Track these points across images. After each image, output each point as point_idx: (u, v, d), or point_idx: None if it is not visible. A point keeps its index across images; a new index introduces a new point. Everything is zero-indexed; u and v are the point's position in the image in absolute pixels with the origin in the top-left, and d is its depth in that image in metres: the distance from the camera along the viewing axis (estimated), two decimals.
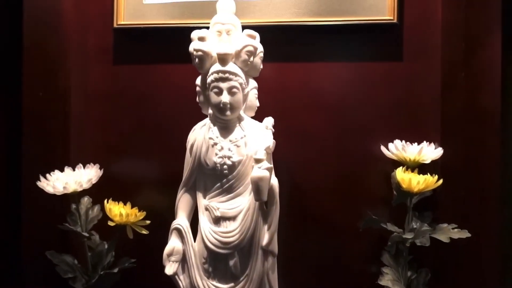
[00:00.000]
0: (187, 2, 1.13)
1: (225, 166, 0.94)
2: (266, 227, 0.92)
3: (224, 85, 0.92)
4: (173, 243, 0.96)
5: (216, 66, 0.93)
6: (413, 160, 1.03)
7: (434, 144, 1.05)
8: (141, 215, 1.06)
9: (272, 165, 0.91)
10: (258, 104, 1.00)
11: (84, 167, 1.07)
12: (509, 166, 1.07)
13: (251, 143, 0.93)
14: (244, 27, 0.98)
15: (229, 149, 0.94)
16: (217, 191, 0.95)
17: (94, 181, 1.05)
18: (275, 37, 1.06)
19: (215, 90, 0.93)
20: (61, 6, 1.17)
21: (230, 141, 0.94)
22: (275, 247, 0.94)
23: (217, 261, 0.95)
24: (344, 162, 1.13)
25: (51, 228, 1.09)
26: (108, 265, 1.07)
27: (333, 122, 1.13)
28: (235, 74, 0.93)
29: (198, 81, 0.99)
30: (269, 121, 0.95)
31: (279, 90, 1.13)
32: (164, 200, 1.11)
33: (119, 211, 1.03)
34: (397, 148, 1.04)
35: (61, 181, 1.02)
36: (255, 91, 0.99)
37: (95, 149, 1.18)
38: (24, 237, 1.15)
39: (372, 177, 1.12)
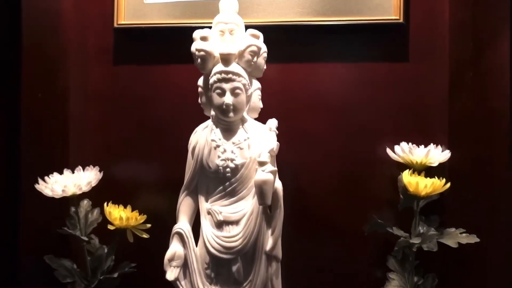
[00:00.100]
0: (188, 1, 1.12)
1: (228, 169, 0.92)
2: (270, 231, 0.91)
3: (227, 86, 0.91)
4: (175, 248, 0.94)
5: (219, 67, 0.92)
6: (420, 163, 1.01)
7: (441, 146, 1.04)
8: (142, 218, 1.05)
9: (276, 168, 0.89)
10: (261, 106, 0.98)
11: (83, 170, 1.06)
12: None
13: (254, 145, 0.92)
14: (247, 27, 0.96)
15: (232, 152, 0.92)
16: (219, 195, 0.94)
17: (93, 184, 1.04)
18: (278, 37, 1.05)
19: (218, 91, 0.92)
20: (60, 5, 1.16)
21: (233, 143, 0.93)
22: (279, 252, 0.93)
23: (219, 267, 0.93)
24: (349, 164, 1.12)
25: (50, 232, 1.08)
26: (108, 269, 1.06)
27: (338, 124, 1.12)
28: (238, 75, 0.92)
29: (200, 82, 0.97)
30: (272, 122, 0.94)
31: (283, 91, 1.12)
32: (165, 203, 1.10)
33: (119, 215, 1.02)
34: (403, 151, 1.03)
35: (60, 184, 1.01)
36: (259, 92, 0.97)
37: (94, 151, 1.18)
38: (22, 241, 1.14)
39: (377, 180, 1.11)
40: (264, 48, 0.95)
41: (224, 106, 0.91)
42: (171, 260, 0.94)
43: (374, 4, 1.07)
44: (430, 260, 1.02)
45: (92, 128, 1.19)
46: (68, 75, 1.17)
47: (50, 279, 1.04)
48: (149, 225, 1.06)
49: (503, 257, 1.02)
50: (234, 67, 0.92)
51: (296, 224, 1.05)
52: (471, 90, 1.04)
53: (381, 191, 1.10)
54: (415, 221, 1.01)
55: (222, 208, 0.93)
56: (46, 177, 1.04)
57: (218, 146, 0.93)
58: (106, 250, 1.07)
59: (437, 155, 1.02)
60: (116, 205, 1.05)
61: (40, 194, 1.02)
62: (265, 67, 0.97)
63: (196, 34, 0.94)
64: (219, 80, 0.91)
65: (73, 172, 1.06)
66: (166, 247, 0.96)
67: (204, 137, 0.95)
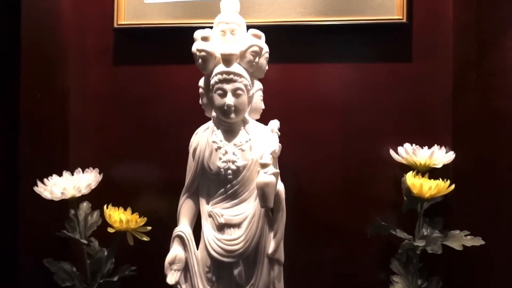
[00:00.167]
0: (189, 1, 1.12)
1: (229, 171, 0.92)
2: (272, 234, 0.91)
3: (228, 87, 0.90)
4: (175, 251, 0.94)
5: (220, 67, 0.92)
6: (424, 164, 1.01)
7: (445, 147, 1.03)
8: (142, 221, 1.04)
9: (278, 170, 0.89)
10: (263, 107, 0.98)
11: (83, 172, 1.06)
12: None
13: (256, 147, 0.91)
14: (248, 27, 0.96)
15: (234, 153, 0.92)
16: (221, 197, 0.93)
17: (93, 186, 1.03)
18: (280, 37, 1.05)
19: (219, 92, 0.91)
20: (59, 5, 1.16)
21: (235, 145, 0.92)
22: (281, 255, 0.92)
23: (221, 270, 0.92)
24: (351, 166, 1.11)
25: (49, 235, 1.07)
26: (108, 273, 1.05)
27: (340, 125, 1.11)
28: (240, 75, 0.91)
29: (201, 82, 0.97)
30: (274, 124, 0.93)
31: (285, 92, 1.12)
32: (165, 205, 1.10)
33: (119, 217, 1.01)
34: (407, 152, 1.02)
35: (59, 186, 1.00)
36: (260, 93, 0.97)
37: (94, 153, 1.17)
38: (21, 243, 1.13)
39: (380, 181, 1.10)
40: (266, 48, 0.94)
41: (225, 107, 0.90)
42: (171, 263, 0.93)
43: (376, 4, 1.07)
44: (434, 263, 1.01)
45: (92, 129, 1.18)
46: (67, 75, 1.17)
47: (50, 283, 1.04)
48: (149, 228, 1.05)
49: (508, 260, 1.00)
50: (236, 67, 0.91)
51: (298, 227, 1.04)
52: (475, 91, 1.03)
53: (384, 193, 1.10)
54: (419, 223, 1.00)
55: (224, 211, 0.93)
56: (45, 179, 1.03)
57: (219, 147, 0.92)
58: (106, 253, 1.06)
59: (441, 156, 1.01)
60: (116, 208, 1.05)
61: (39, 196, 1.01)
62: (267, 67, 0.96)
63: (197, 34, 0.94)
64: (220, 81, 0.91)
65: (72, 174, 1.05)
66: (167, 250, 0.95)
67: (205, 138, 0.94)
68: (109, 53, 1.17)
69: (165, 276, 0.93)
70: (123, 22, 1.13)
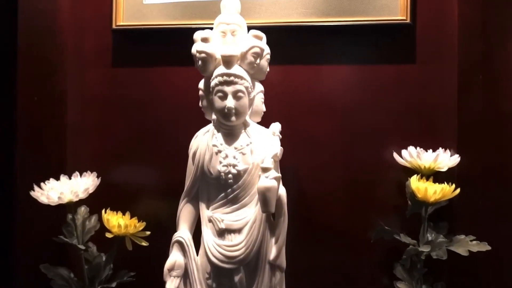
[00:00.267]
0: (189, 1, 1.11)
1: (229, 175, 0.91)
2: (273, 240, 0.90)
3: (229, 89, 0.89)
4: (175, 257, 0.93)
5: (220, 69, 0.91)
6: (428, 167, 1.00)
7: (450, 150, 1.02)
8: (141, 225, 1.03)
9: (280, 175, 0.88)
10: (264, 109, 0.97)
11: (80, 175, 1.04)
12: None
13: (257, 150, 0.91)
14: (249, 28, 0.95)
15: (234, 157, 0.91)
16: (221, 202, 0.92)
17: (91, 191, 1.02)
18: (281, 38, 1.04)
19: (219, 94, 0.90)
20: (57, 6, 1.15)
21: (235, 148, 0.91)
22: (283, 262, 0.91)
23: (221, 277, 0.91)
24: (354, 169, 1.10)
25: (46, 240, 1.05)
26: (106, 278, 1.04)
27: (343, 128, 1.11)
28: (241, 77, 0.90)
29: (201, 84, 0.96)
30: (276, 127, 0.92)
31: (286, 94, 1.11)
32: (165, 209, 1.09)
33: (118, 222, 1.00)
34: (411, 155, 1.01)
35: (56, 191, 0.99)
36: (262, 95, 0.96)
37: (92, 156, 1.17)
38: (17, 249, 1.12)
39: (383, 185, 1.09)
40: (267, 50, 0.94)
41: (225, 110, 0.89)
42: (171, 269, 0.92)
43: (379, 4, 1.06)
44: (439, 268, 1.00)
45: (90, 132, 1.18)
46: (65, 77, 1.16)
47: None
48: (148, 233, 1.04)
49: None
50: (236, 69, 0.90)
51: (299, 231, 1.03)
52: (480, 93, 1.02)
53: (387, 197, 1.09)
54: (424, 228, 0.99)
55: (224, 216, 0.92)
56: (42, 184, 1.02)
57: (219, 151, 0.92)
58: (104, 259, 1.05)
59: (446, 159, 1.00)
60: (115, 212, 1.04)
61: (36, 201, 1.00)
62: (268, 69, 0.95)
63: (197, 35, 0.93)
64: (221, 83, 0.90)
65: (70, 178, 1.04)
66: (166, 255, 0.94)
67: (205, 142, 0.94)
68: (108, 54, 1.17)
69: (164, 282, 0.92)
70: (121, 23, 1.13)
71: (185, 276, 0.93)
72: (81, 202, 1.03)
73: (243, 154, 0.91)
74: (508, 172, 1.00)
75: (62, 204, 1.00)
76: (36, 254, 1.08)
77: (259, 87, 0.95)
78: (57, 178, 1.03)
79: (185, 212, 0.95)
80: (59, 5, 1.15)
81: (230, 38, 0.93)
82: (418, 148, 1.01)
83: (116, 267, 1.05)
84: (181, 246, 0.93)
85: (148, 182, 1.16)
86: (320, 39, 1.10)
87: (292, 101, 1.11)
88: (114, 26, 1.13)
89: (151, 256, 1.01)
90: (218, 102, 0.90)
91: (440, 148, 1.01)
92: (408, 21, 1.05)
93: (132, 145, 1.16)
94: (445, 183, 0.97)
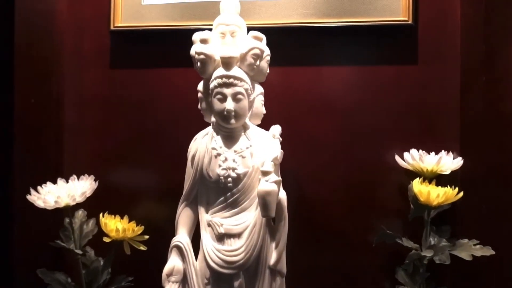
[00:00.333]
0: (188, 2, 1.10)
1: (229, 179, 0.90)
2: (273, 244, 0.89)
3: (228, 91, 0.89)
4: (173, 262, 0.92)
5: (220, 71, 0.90)
6: (431, 170, 0.99)
7: (453, 153, 1.02)
8: (139, 229, 1.02)
9: (280, 178, 0.87)
10: (264, 111, 0.96)
11: (78, 178, 1.04)
12: None
13: (257, 153, 0.90)
14: (249, 29, 0.95)
15: (234, 160, 0.90)
16: (220, 206, 0.92)
17: (88, 194, 1.01)
18: (281, 40, 1.04)
19: (219, 96, 0.89)
20: (54, 7, 1.15)
21: (235, 151, 0.91)
22: (283, 267, 0.90)
23: (220, 282, 0.91)
24: (356, 172, 1.10)
25: (43, 244, 1.04)
26: (104, 283, 1.04)
27: (344, 130, 1.10)
28: (240, 79, 0.89)
29: (200, 86, 0.95)
30: (276, 129, 0.92)
31: (286, 96, 1.11)
32: (164, 213, 1.08)
33: (115, 226, 1.00)
34: (413, 158, 1.00)
35: (53, 195, 0.98)
36: (262, 97, 0.95)
37: (90, 159, 1.17)
38: (14, 253, 1.10)
39: (384, 187, 1.09)
40: (267, 51, 0.93)
41: (225, 112, 0.89)
42: (169, 275, 0.92)
43: (381, 5, 1.06)
44: (441, 273, 1.00)
45: (88, 134, 1.17)
46: (62, 79, 1.16)
47: None
48: (147, 237, 1.03)
49: None
50: (236, 71, 0.90)
51: (300, 235, 1.03)
52: (483, 94, 1.01)
53: (389, 200, 1.08)
54: (426, 231, 0.98)
55: (223, 220, 0.91)
56: (39, 187, 1.01)
57: (219, 154, 0.91)
58: (102, 263, 1.04)
59: (449, 162, 0.99)
60: (112, 216, 1.03)
61: (33, 204, 0.99)
62: (268, 70, 0.95)
63: (196, 37, 0.93)
64: (220, 85, 0.89)
65: (67, 181, 1.03)
66: (165, 259, 0.93)
67: (204, 145, 0.93)
68: (106, 55, 1.16)
69: None
70: (120, 24, 1.13)
71: (184, 281, 0.92)
72: (78, 205, 1.02)
73: (243, 157, 0.90)
74: None
75: (59, 208, 0.99)
76: (33, 259, 1.07)
77: (259, 89, 0.95)
78: (55, 181, 1.02)
79: (183, 216, 0.95)
80: (57, 5, 1.15)
81: (229, 39, 0.93)
82: (420, 150, 1.00)
83: (114, 272, 1.05)
84: (180, 251, 0.92)
85: (146, 185, 1.15)
86: (321, 40, 1.10)
87: (293, 103, 1.10)
88: (112, 27, 1.13)
89: (149, 260, 1.00)
90: (217, 105, 0.89)
91: (443, 151, 1.00)
92: (409, 21, 1.04)
93: (130, 147, 1.16)
94: (448, 186, 0.96)
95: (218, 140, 0.92)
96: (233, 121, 0.89)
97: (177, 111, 1.13)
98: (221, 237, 0.90)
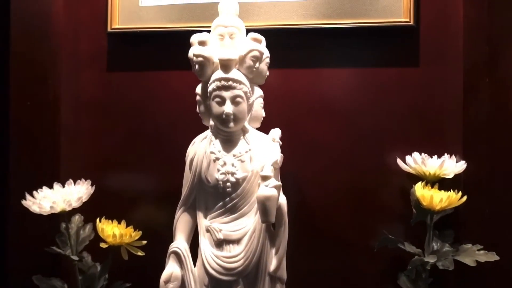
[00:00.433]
0: (186, 4, 1.10)
1: (228, 183, 0.89)
2: (273, 251, 0.89)
3: (227, 94, 0.88)
4: (171, 268, 0.91)
5: (218, 73, 0.89)
6: (434, 174, 0.98)
7: (456, 156, 1.01)
8: (137, 235, 1.01)
9: (280, 183, 0.86)
10: (264, 114, 0.95)
11: (74, 183, 1.03)
12: None
13: (257, 157, 0.89)
14: (248, 31, 0.94)
15: (233, 165, 0.89)
16: (219, 211, 0.91)
17: (84, 200, 1.00)
18: (281, 41, 1.04)
19: (217, 99, 0.89)
20: (51, 9, 1.15)
21: (234, 155, 0.90)
22: (283, 273, 0.89)
23: None
24: (357, 175, 1.09)
25: (39, 249, 1.03)
26: None
27: (345, 133, 1.09)
28: (239, 82, 0.89)
29: (199, 89, 0.94)
30: (276, 133, 0.91)
31: (286, 99, 1.10)
32: (162, 218, 1.09)
33: (112, 232, 0.98)
34: (415, 162, 0.99)
35: (49, 200, 0.97)
36: (261, 100, 0.94)
37: (87, 163, 1.16)
38: (9, 259, 1.11)
39: (387, 191, 1.08)
40: (266, 53, 0.92)
41: (224, 116, 0.88)
42: (167, 281, 0.90)
43: (382, 6, 1.05)
44: (445, 279, 0.99)
45: (85, 138, 1.17)
46: (59, 82, 1.15)
47: None
48: (144, 242, 1.02)
49: None
50: (235, 73, 0.89)
51: (300, 240, 1.02)
52: (487, 96, 1.01)
53: (390, 204, 1.08)
54: (429, 236, 0.97)
55: (222, 226, 0.90)
56: (34, 192, 1.00)
57: (217, 158, 0.90)
58: (99, 269, 1.03)
59: (451, 166, 0.98)
60: (110, 221, 1.02)
61: (28, 209, 0.98)
62: (267, 73, 0.94)
63: (194, 39, 0.92)
64: (219, 88, 0.88)
65: (63, 186, 1.02)
66: (163, 265, 0.92)
67: (202, 149, 0.92)
68: (103, 58, 1.16)
69: None
70: (117, 26, 1.12)
71: None
72: (75, 210, 1.01)
73: (242, 161, 0.89)
74: None
75: (55, 213, 0.98)
76: (28, 265, 1.06)
77: (258, 91, 0.94)
78: (51, 185, 1.01)
79: (182, 222, 0.94)
80: (53, 7, 1.14)
81: (228, 41, 0.92)
82: (422, 154, 1.00)
83: (111, 278, 1.04)
84: (178, 257, 0.91)
85: (144, 189, 1.14)
86: (321, 42, 1.09)
87: (293, 106, 1.10)
88: (109, 29, 1.12)
89: (147, 266, 0.99)
90: (216, 108, 0.89)
91: (446, 154, 1.00)
92: (411, 23, 1.04)
93: (128, 151, 1.15)
94: (451, 190, 0.95)
95: (216, 144, 0.91)
96: (232, 124, 0.88)
97: (175, 114, 1.12)
98: (220, 243, 0.89)
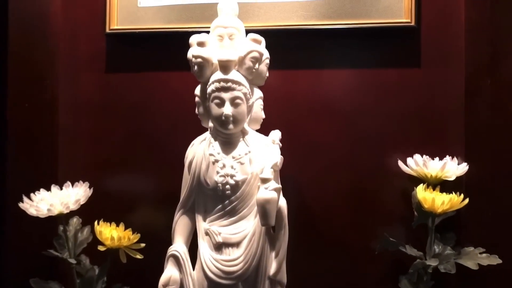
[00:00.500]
0: (185, 4, 1.09)
1: (227, 186, 0.88)
2: (273, 254, 0.88)
3: (226, 96, 0.87)
4: (170, 272, 0.90)
5: (217, 75, 0.89)
6: (435, 176, 0.98)
7: (457, 158, 1.00)
8: (135, 237, 1.01)
9: (280, 186, 0.85)
10: (263, 116, 0.95)
11: (72, 185, 1.02)
12: None
13: (256, 160, 0.88)
14: (247, 32, 0.93)
15: (232, 167, 0.88)
16: (218, 214, 0.90)
17: (82, 202, 0.99)
18: (281, 42, 1.03)
19: (216, 101, 0.88)
20: (49, 9, 1.14)
21: (233, 157, 0.89)
22: (283, 277, 0.88)
23: None
24: (357, 177, 1.08)
25: (37, 252, 1.03)
26: None
27: (345, 135, 1.09)
28: (239, 83, 0.88)
29: (198, 90, 0.94)
30: (276, 134, 0.91)
31: (286, 100, 1.10)
32: (161, 220, 1.08)
33: (111, 234, 0.98)
34: (417, 164, 0.99)
35: (46, 202, 0.96)
36: (261, 102, 0.94)
37: (85, 165, 1.15)
38: (6, 262, 1.10)
39: (388, 194, 1.08)
40: (266, 54, 0.92)
41: (223, 118, 0.87)
42: (166, 285, 0.89)
43: (383, 7, 1.04)
44: (446, 282, 0.99)
45: (83, 140, 1.16)
46: (57, 83, 1.15)
47: None
48: (143, 245, 1.02)
49: None
50: (234, 75, 0.88)
51: (300, 243, 1.01)
52: (489, 98, 1.00)
53: (392, 206, 1.07)
54: (430, 239, 0.97)
55: (221, 229, 0.89)
56: (32, 194, 0.99)
57: (216, 160, 0.89)
58: (97, 272, 1.03)
59: (453, 168, 0.98)
60: (108, 223, 1.01)
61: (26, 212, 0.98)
62: (267, 74, 0.93)
63: (193, 40, 0.91)
64: (218, 89, 0.88)
65: (61, 188, 1.01)
66: (162, 268, 0.92)
67: (201, 151, 0.91)
68: (101, 59, 1.15)
69: None
70: (115, 27, 1.11)
71: None
72: (73, 212, 1.01)
73: (242, 163, 0.89)
74: None
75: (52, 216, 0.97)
76: (26, 267, 1.06)
77: (258, 93, 0.93)
78: (49, 187, 1.01)
79: (180, 225, 0.93)
80: (51, 8, 1.14)
81: (227, 42, 0.91)
82: (424, 156, 0.99)
83: (110, 281, 1.03)
84: (177, 260, 0.90)
85: (143, 192, 1.14)
86: (321, 43, 1.08)
87: (293, 108, 1.09)
88: (107, 30, 1.11)
89: (146, 269, 0.98)
90: (215, 109, 0.88)
91: (448, 156, 0.99)
92: (412, 23, 1.03)
93: (126, 153, 1.14)
94: (453, 192, 0.94)
95: (216, 146, 0.90)
96: (231, 126, 0.88)
97: (174, 116, 1.12)
98: (219, 246, 0.88)
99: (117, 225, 1.01)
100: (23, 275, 1.01)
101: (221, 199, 0.89)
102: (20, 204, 0.97)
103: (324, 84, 1.09)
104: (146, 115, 1.13)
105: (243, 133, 0.90)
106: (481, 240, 0.96)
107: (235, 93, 0.87)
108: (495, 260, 0.91)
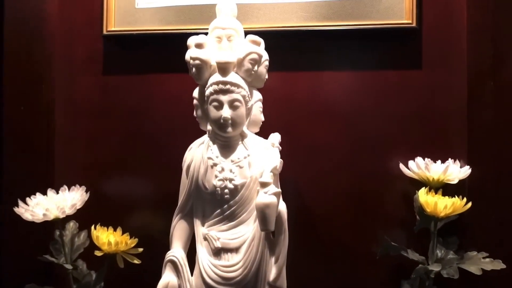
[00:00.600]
0: (183, 6, 1.09)
1: (226, 190, 0.88)
2: (273, 259, 0.87)
3: (224, 98, 0.87)
4: (167, 278, 0.89)
5: (216, 77, 0.88)
6: (437, 180, 0.96)
7: (460, 161, 0.99)
8: (133, 242, 1.00)
9: (279, 190, 0.84)
10: (263, 119, 0.94)
11: (69, 189, 1.01)
12: None
13: (255, 163, 0.88)
14: (246, 33, 0.93)
15: (231, 171, 0.88)
16: (217, 219, 0.89)
17: (78, 207, 0.98)
18: (280, 44, 1.03)
19: (215, 103, 0.87)
20: (45, 11, 1.14)
21: (232, 161, 0.88)
22: (283, 283, 0.87)
23: None
24: (358, 181, 1.07)
25: (32, 257, 1.02)
26: None
27: (346, 138, 1.08)
28: (237, 86, 0.87)
29: (196, 93, 0.93)
30: (275, 137, 0.90)
31: (286, 102, 1.09)
32: (159, 225, 1.07)
33: (108, 239, 0.97)
34: (419, 167, 0.98)
35: (42, 207, 0.95)
36: (260, 104, 0.93)
37: (82, 169, 1.14)
38: (2, 268, 1.10)
39: (388, 197, 1.07)
40: (265, 56, 0.91)
41: (221, 121, 0.86)
42: None
43: (383, 8, 1.03)
44: (449, 287, 0.97)
45: (80, 143, 1.15)
46: (53, 85, 1.15)
47: None
48: (141, 250, 1.01)
49: None
50: (233, 77, 0.88)
51: (300, 248, 1.00)
52: (492, 100, 1.00)
53: (393, 210, 1.06)
54: (433, 243, 0.96)
55: (220, 234, 0.88)
56: (27, 199, 0.98)
57: (215, 164, 0.89)
58: (94, 277, 1.02)
59: (456, 171, 0.97)
60: (105, 228, 1.00)
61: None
62: (266, 76, 0.93)
63: (191, 41, 0.91)
64: (216, 92, 0.87)
65: (57, 193, 1.00)
66: (160, 273, 0.91)
67: (199, 154, 0.90)
68: (98, 61, 1.15)
69: None
70: (113, 29, 1.10)
71: None
72: (69, 217, 1.00)
73: (241, 167, 0.88)
74: None
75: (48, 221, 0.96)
76: (22, 273, 1.06)
77: (257, 95, 0.93)
78: (45, 191, 1.00)
79: (178, 229, 0.92)
80: (48, 9, 1.13)
81: (226, 44, 0.91)
82: (426, 159, 0.98)
83: (107, 286, 1.02)
84: (174, 266, 0.89)
85: (141, 196, 1.13)
86: (321, 44, 1.08)
87: (292, 110, 1.08)
88: (105, 32, 1.10)
89: (143, 274, 0.98)
90: (213, 112, 0.87)
91: (450, 159, 0.98)
92: (413, 25, 1.02)
93: (123, 156, 1.13)
94: (455, 196, 0.93)
95: (214, 150, 0.89)
96: (230, 129, 0.87)
97: (172, 118, 1.11)
98: (217, 252, 0.88)
99: (115, 230, 1.00)
100: (19, 280, 1.01)
101: (219, 204, 0.88)
102: (15, 209, 0.96)
103: (324, 86, 1.09)
104: (144, 118, 1.13)
105: (242, 136, 0.90)
106: (484, 245, 0.96)
107: (234, 96, 0.87)
108: (498, 265, 0.90)
